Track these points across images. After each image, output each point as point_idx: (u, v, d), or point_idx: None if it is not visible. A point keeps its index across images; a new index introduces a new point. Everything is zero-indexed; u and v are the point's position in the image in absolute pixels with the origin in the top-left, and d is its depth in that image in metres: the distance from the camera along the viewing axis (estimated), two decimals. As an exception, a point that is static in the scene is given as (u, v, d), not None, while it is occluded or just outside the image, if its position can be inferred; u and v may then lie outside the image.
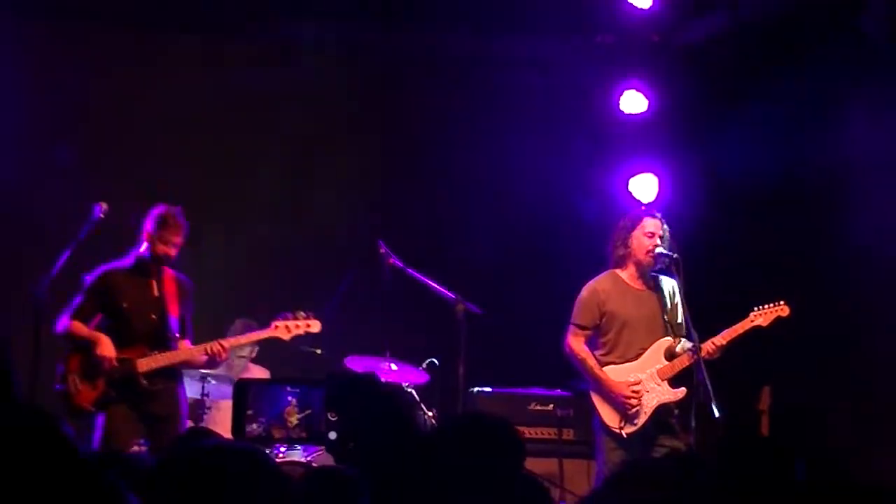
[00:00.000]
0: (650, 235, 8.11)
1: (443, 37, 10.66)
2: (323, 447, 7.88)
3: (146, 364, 7.87)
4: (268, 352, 9.43)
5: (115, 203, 7.97)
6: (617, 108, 10.60)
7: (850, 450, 9.22)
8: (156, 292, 8.06)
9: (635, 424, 7.88)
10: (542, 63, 10.81)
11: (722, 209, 10.37)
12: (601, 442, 8.00)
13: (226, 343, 8.07)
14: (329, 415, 2.48)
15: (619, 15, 10.28)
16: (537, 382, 9.48)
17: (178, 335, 8.03)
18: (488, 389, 9.29)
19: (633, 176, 10.53)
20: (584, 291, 8.19)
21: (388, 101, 10.90)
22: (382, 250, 8.80)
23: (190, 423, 8.60)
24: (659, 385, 7.94)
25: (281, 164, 10.63)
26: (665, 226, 8.18)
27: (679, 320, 8.06)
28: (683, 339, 8.02)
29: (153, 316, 8.01)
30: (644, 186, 10.48)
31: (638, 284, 8.18)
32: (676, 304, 8.09)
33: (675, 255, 8.01)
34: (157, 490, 2.21)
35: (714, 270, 9.85)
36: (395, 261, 8.78)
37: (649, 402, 7.90)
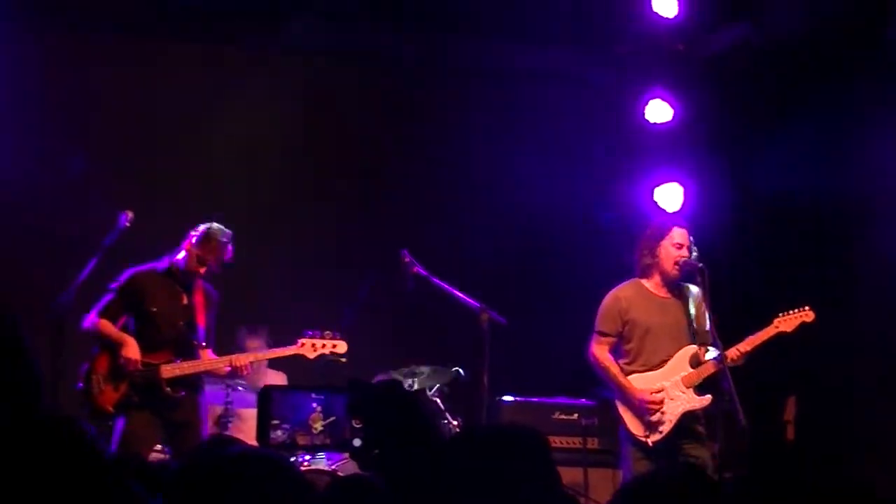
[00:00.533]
0: (678, 247, 8.08)
1: (466, 46, 10.66)
2: (347, 455, 7.90)
3: (170, 371, 7.91)
4: (290, 359, 9.45)
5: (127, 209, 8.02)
6: (642, 117, 10.59)
7: (877, 460, 9.18)
8: (185, 300, 8.12)
9: (660, 433, 7.84)
10: (567, 73, 10.81)
11: (747, 218, 10.35)
12: (627, 451, 7.97)
13: (252, 357, 8.15)
14: (353, 422, 2.48)
15: (644, 25, 10.27)
16: (562, 391, 9.46)
17: (203, 344, 8.09)
18: (513, 398, 9.28)
19: (658, 185, 10.52)
20: (607, 299, 8.18)
21: (409, 110, 10.89)
22: (406, 259, 8.79)
23: (214, 431, 8.63)
24: (684, 393, 7.91)
25: (297, 174, 10.61)
26: (691, 236, 8.16)
27: (705, 328, 8.03)
28: (710, 348, 7.99)
29: (181, 323, 8.07)
30: (669, 196, 10.46)
31: (662, 292, 8.15)
32: (702, 312, 8.06)
33: (701, 265, 7.99)
34: (178, 497, 2.20)
35: (739, 279, 9.83)
36: (419, 269, 8.76)
37: (674, 410, 7.86)
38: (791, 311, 8.07)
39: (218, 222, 8.20)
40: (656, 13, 10.14)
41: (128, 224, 7.95)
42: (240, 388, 9.07)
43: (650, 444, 7.83)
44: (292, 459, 7.54)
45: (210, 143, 10.39)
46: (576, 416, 9.29)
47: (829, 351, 9.47)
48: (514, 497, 2.79)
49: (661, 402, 7.85)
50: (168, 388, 7.89)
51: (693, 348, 8.02)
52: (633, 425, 7.90)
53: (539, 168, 10.67)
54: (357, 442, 2.57)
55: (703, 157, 10.57)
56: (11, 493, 1.75)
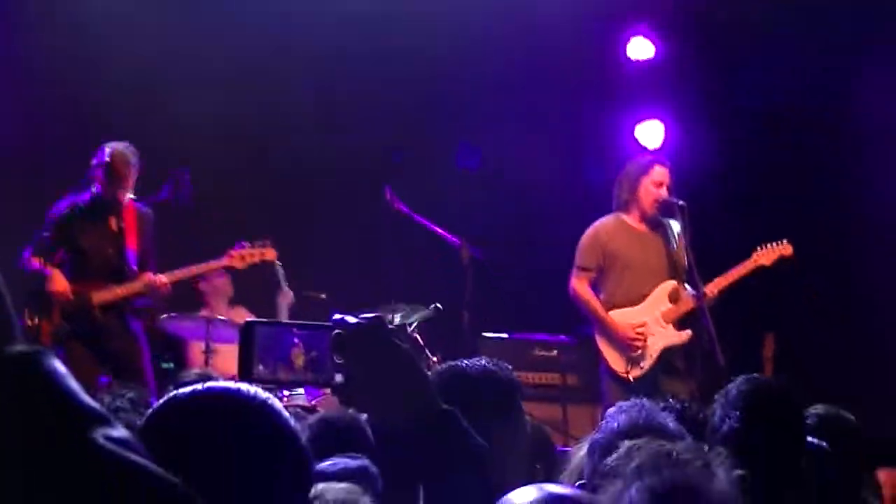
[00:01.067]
0: (658, 185, 8.09)
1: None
2: (328, 390, 7.91)
3: (100, 296, 7.85)
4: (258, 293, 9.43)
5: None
6: (624, 54, 10.54)
7: (852, 397, 9.23)
8: (114, 227, 8.03)
9: (641, 368, 7.88)
10: (546, 9, 10.70)
11: (729, 155, 10.34)
12: (606, 387, 8.01)
13: (176, 276, 8.05)
14: (335, 357, 2.47)
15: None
16: (543, 328, 9.48)
17: (136, 269, 8.01)
18: (493, 335, 9.29)
19: (639, 122, 10.48)
20: (587, 234, 8.18)
21: (394, 57, 10.73)
22: (388, 196, 8.79)
23: (195, 368, 8.62)
24: (664, 328, 7.94)
25: (292, 125, 10.49)
26: (672, 174, 8.16)
27: (684, 264, 8.05)
28: (687, 286, 8.02)
29: (110, 250, 7.99)
30: (650, 133, 10.43)
31: (642, 227, 8.16)
32: (681, 248, 8.08)
33: (681, 202, 8.00)
34: (154, 437, 2.15)
35: (719, 216, 9.83)
36: (400, 206, 8.77)
37: (655, 345, 7.89)
38: (770, 245, 8.13)
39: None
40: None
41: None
42: (218, 323, 9.03)
43: (631, 379, 7.86)
44: (271, 394, 7.54)
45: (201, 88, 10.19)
46: (555, 352, 9.30)
47: (812, 285, 9.52)
48: (486, 436, 2.81)
49: (644, 337, 7.88)
50: (99, 313, 7.84)
51: (672, 283, 8.05)
52: (614, 361, 7.93)
53: (519, 106, 10.62)
54: (339, 378, 2.55)
55: (685, 93, 10.54)
56: None
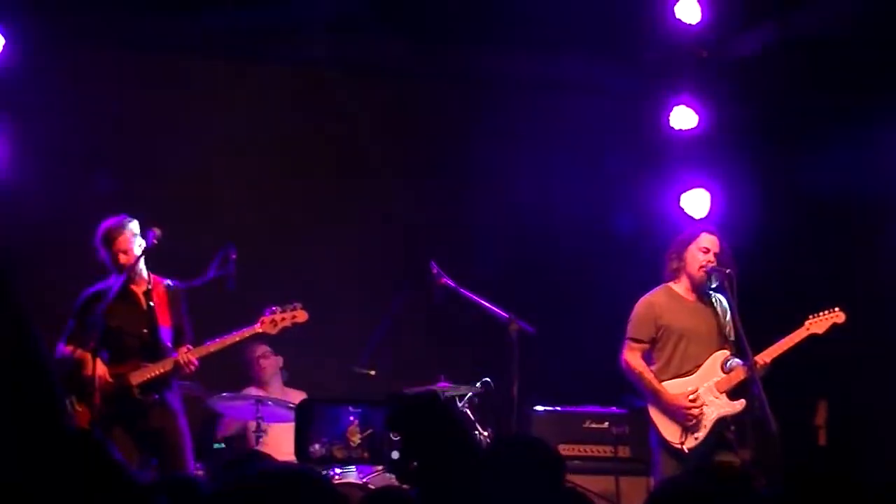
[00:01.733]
0: (705, 251, 8.07)
1: (487, 57, 10.64)
2: (379, 468, 7.90)
3: (138, 376, 7.83)
4: (327, 372, 9.46)
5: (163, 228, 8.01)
6: (667, 124, 10.56)
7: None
8: (144, 305, 8.04)
9: (696, 438, 7.81)
10: (590, 82, 10.79)
11: (775, 222, 10.32)
12: (659, 458, 7.94)
13: (204, 350, 7.99)
14: (391, 434, 2.49)
15: (667, 30, 10.24)
16: (592, 400, 9.44)
17: (170, 345, 8.00)
18: (543, 408, 9.27)
19: (684, 192, 10.48)
20: (640, 305, 8.16)
21: (433, 119, 10.85)
22: (434, 271, 8.81)
23: (246, 449, 8.63)
24: (717, 398, 7.89)
25: (320, 188, 10.59)
26: (724, 244, 8.13)
27: (732, 338, 8.03)
28: (736, 355, 7.99)
29: (144, 330, 7.97)
30: (696, 202, 10.42)
31: (691, 297, 8.14)
32: (729, 322, 8.06)
33: (728, 270, 7.97)
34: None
35: (767, 284, 9.80)
36: (446, 281, 8.78)
37: (709, 416, 7.84)
38: (822, 313, 8.09)
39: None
40: (679, 20, 10.10)
41: (155, 241, 7.93)
42: (269, 402, 9.04)
43: (686, 450, 7.80)
44: (323, 473, 7.52)
45: (246, 171, 10.34)
46: (606, 424, 9.26)
47: (860, 354, 9.45)
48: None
49: (699, 407, 7.84)
50: (138, 392, 7.83)
51: (724, 353, 8.01)
52: (668, 432, 7.87)
53: (565, 178, 10.66)
54: (395, 454, 2.57)
55: (729, 162, 10.54)
56: None
